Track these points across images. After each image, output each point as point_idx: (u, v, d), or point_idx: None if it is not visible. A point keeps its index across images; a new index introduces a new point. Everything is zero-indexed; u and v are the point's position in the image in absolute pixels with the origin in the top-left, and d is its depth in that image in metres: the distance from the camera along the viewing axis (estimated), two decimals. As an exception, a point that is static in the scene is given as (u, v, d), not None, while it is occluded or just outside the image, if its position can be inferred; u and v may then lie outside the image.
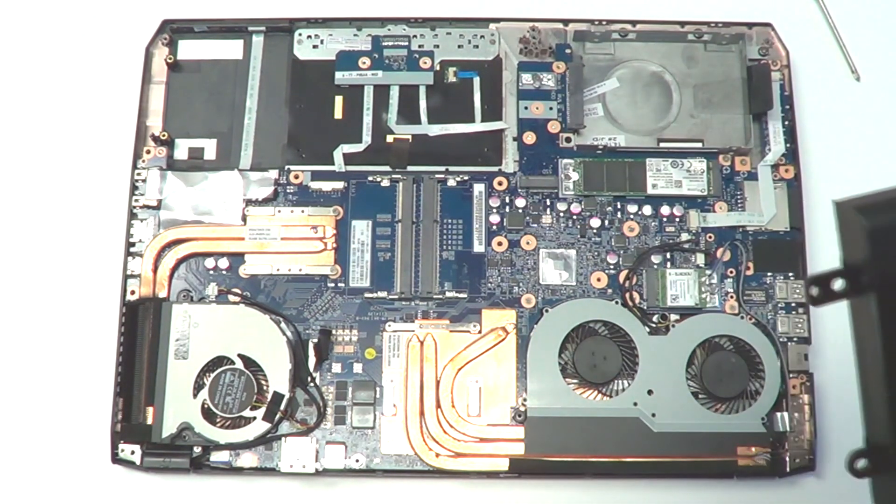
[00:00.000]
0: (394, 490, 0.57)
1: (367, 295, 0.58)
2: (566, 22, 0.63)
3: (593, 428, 0.55)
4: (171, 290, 0.58)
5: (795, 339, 0.58)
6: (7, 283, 0.60)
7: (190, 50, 0.63)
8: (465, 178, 0.60)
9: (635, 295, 0.58)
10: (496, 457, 0.55)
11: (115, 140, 0.62)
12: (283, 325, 0.57)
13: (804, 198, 0.60)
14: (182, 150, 0.61)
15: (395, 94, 0.62)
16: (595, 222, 0.59)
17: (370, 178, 0.60)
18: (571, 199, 0.60)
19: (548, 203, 0.60)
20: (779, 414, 0.55)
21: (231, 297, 0.58)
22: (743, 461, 0.55)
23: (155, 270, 0.58)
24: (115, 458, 0.55)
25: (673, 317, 0.58)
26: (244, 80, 0.62)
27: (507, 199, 0.60)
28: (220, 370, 0.55)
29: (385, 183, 0.60)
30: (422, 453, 0.55)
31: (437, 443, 0.56)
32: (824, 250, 0.61)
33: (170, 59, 0.62)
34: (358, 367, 0.57)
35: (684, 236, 0.59)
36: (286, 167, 0.60)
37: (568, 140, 0.61)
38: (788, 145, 0.60)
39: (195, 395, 0.55)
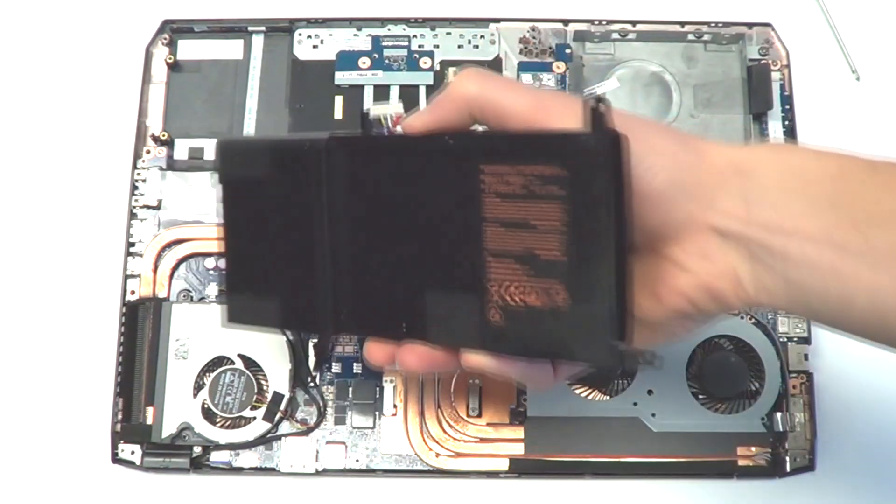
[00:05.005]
0: (394, 490, 0.57)
1: (367, 295, 0.58)
2: (566, 22, 0.63)
3: (593, 428, 0.55)
4: (171, 291, 0.58)
5: (795, 339, 0.58)
6: (7, 284, 0.60)
7: (190, 50, 0.63)
8: (465, 178, 0.60)
9: (635, 295, 0.58)
10: (496, 457, 0.55)
11: (115, 140, 0.62)
12: (283, 325, 0.57)
13: (804, 198, 0.60)
14: (182, 150, 0.61)
15: (395, 94, 0.62)
16: (595, 222, 0.59)
17: (370, 178, 0.60)
18: (571, 199, 0.60)
19: (548, 203, 0.60)
20: (779, 414, 0.55)
21: (231, 297, 0.58)
22: (743, 461, 0.55)
23: (155, 270, 0.58)
24: (115, 458, 0.55)
25: (673, 317, 0.58)
26: (244, 80, 0.62)
27: (507, 199, 0.60)
28: (220, 370, 0.55)
29: (385, 183, 0.60)
30: (422, 453, 0.55)
31: (437, 443, 0.56)
32: (824, 250, 0.61)
33: (170, 59, 0.62)
34: (358, 367, 0.57)
35: (684, 236, 0.59)
36: (286, 167, 0.60)
37: (568, 140, 0.60)
38: (788, 145, 0.61)
39: (195, 395, 0.55)
